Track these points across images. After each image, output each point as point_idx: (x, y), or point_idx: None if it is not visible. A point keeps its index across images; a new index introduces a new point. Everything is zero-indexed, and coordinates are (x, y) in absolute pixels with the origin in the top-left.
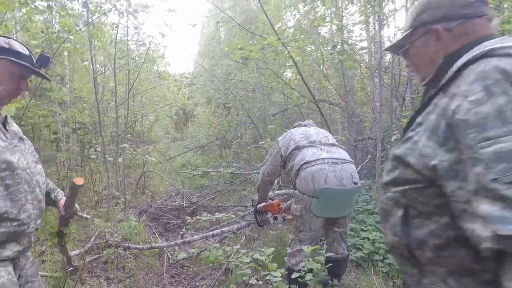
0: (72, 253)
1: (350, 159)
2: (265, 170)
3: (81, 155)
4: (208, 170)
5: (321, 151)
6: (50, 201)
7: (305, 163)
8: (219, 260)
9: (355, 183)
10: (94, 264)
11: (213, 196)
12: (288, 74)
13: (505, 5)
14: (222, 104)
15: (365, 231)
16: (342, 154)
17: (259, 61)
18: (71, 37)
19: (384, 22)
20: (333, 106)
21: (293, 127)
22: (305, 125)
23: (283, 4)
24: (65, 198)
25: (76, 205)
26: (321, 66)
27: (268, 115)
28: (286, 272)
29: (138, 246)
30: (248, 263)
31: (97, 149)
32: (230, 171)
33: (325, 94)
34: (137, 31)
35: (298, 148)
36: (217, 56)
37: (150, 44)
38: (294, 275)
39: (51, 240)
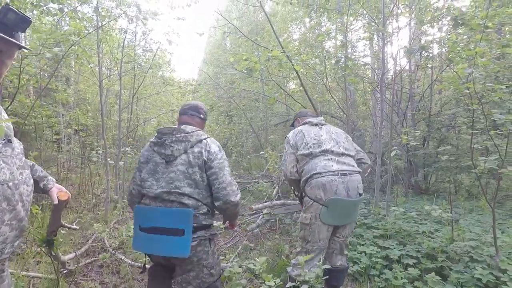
0: (67, 256)
1: (357, 168)
2: (287, 170)
3: (82, 157)
4: None
5: (332, 162)
6: (40, 190)
7: (316, 173)
8: None
9: (360, 194)
10: (90, 268)
11: None
12: (292, 85)
13: (506, 29)
14: (224, 112)
15: (362, 245)
16: (350, 163)
17: (263, 72)
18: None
19: (388, 40)
20: (335, 119)
21: (303, 123)
22: (316, 124)
23: (289, 17)
24: (56, 185)
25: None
26: (324, 80)
27: (270, 125)
28: (289, 282)
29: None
30: (241, 273)
31: (99, 151)
32: None
33: (327, 107)
34: (145, 37)
35: (310, 155)
36: (222, 64)
37: (157, 50)
38: (288, 284)
39: (40, 246)
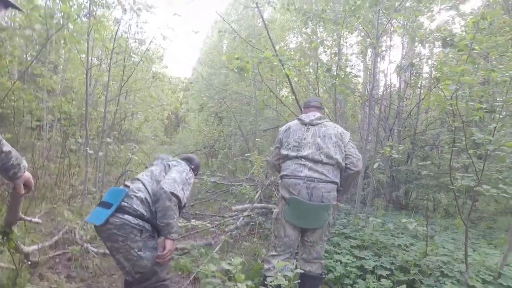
0: (31, 247)
1: (331, 178)
2: (271, 160)
3: (63, 146)
4: None
5: (302, 168)
6: (8, 178)
7: (285, 174)
8: (188, 268)
9: (323, 202)
10: (57, 260)
11: (192, 204)
12: (285, 92)
13: (493, 57)
14: (214, 113)
15: (339, 253)
16: (324, 172)
17: (256, 76)
18: (70, 25)
19: (380, 55)
20: None
21: (297, 118)
22: (305, 124)
23: (287, 26)
24: (25, 175)
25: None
26: (316, 90)
27: (259, 130)
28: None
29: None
30: (214, 272)
31: (78, 140)
32: (213, 180)
33: None
34: (139, 29)
35: (286, 157)
36: (216, 66)
37: (150, 43)
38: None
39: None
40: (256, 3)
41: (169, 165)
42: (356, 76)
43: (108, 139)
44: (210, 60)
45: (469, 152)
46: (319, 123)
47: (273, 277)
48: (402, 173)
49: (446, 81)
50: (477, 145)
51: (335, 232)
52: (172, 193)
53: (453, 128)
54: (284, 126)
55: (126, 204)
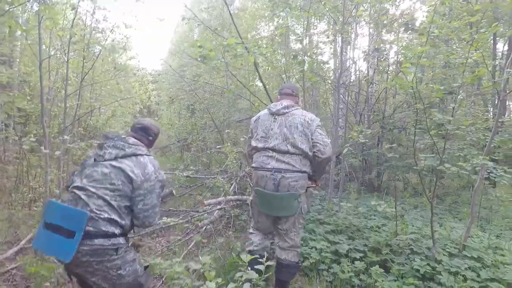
0: None
1: (299, 168)
2: (247, 149)
3: (19, 146)
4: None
5: (270, 160)
6: None
7: (254, 166)
8: (160, 270)
9: (288, 191)
10: (14, 272)
11: (165, 200)
12: (259, 83)
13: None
14: (186, 105)
15: (314, 240)
16: (291, 163)
17: (224, 65)
18: (17, 11)
19: (350, 41)
20: None
21: (267, 108)
22: (272, 114)
23: (258, 14)
24: None
25: None
26: (285, 79)
27: (233, 121)
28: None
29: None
30: (180, 272)
31: (31, 139)
32: (186, 175)
33: None
34: (99, 18)
35: (255, 148)
36: (187, 57)
37: (111, 32)
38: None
39: None
40: None
41: (127, 170)
42: (324, 62)
43: (66, 137)
44: (182, 51)
45: (430, 133)
46: (286, 112)
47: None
48: (373, 156)
49: (406, 64)
50: (439, 125)
51: (310, 219)
52: (155, 222)
53: (416, 111)
54: (255, 116)
55: (92, 228)
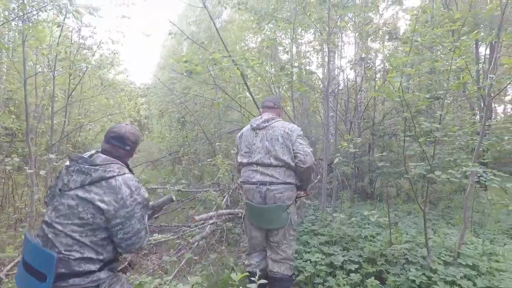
0: None
1: (282, 179)
2: (235, 163)
3: (4, 165)
4: (153, 187)
5: (255, 174)
6: None
7: (242, 181)
8: None
9: (275, 203)
10: None
11: (156, 216)
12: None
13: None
14: (176, 118)
15: (308, 252)
16: (274, 175)
17: (212, 78)
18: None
19: (333, 51)
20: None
21: (250, 123)
22: (254, 129)
23: (245, 25)
24: None
25: None
26: (274, 90)
27: (224, 133)
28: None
29: None
30: None
31: (15, 158)
32: (177, 189)
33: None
34: (85, 34)
35: (241, 164)
36: (177, 70)
37: (97, 48)
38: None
39: None
40: (204, 3)
41: (96, 200)
42: (312, 72)
43: (51, 155)
44: (170, 64)
45: (419, 140)
46: (266, 126)
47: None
48: (365, 163)
49: (392, 73)
50: (427, 132)
51: (304, 230)
52: (143, 245)
53: (404, 119)
54: (239, 132)
55: (64, 270)
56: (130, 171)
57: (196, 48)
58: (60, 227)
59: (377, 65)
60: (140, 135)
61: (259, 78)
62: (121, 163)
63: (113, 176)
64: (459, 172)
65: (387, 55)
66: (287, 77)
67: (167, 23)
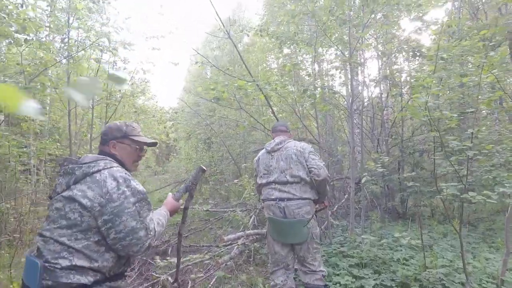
0: None
1: (299, 195)
2: (255, 185)
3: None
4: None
5: (274, 191)
6: None
7: (263, 198)
8: None
9: (295, 218)
10: None
11: (186, 235)
12: (270, 114)
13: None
14: (202, 140)
15: (337, 275)
16: (291, 192)
17: (237, 102)
18: (49, 70)
19: (356, 70)
20: (313, 144)
21: (264, 148)
22: (269, 152)
23: (266, 47)
24: None
25: None
26: (296, 109)
27: (249, 152)
28: None
29: None
30: None
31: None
32: (205, 209)
33: (305, 133)
34: (117, 67)
35: (261, 185)
36: (202, 93)
37: (131, 79)
38: None
39: None
40: (228, 33)
41: (82, 197)
42: (335, 92)
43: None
44: (195, 88)
45: (450, 160)
46: (280, 147)
47: None
48: (395, 181)
49: (416, 94)
50: (459, 151)
51: (332, 252)
52: (146, 247)
53: (433, 138)
54: (256, 157)
55: (50, 282)
56: (127, 170)
57: (220, 73)
58: (48, 234)
59: (403, 80)
60: (120, 125)
61: (281, 101)
62: (111, 159)
63: (98, 170)
64: (496, 193)
65: (411, 72)
66: (310, 98)
67: (191, 50)
